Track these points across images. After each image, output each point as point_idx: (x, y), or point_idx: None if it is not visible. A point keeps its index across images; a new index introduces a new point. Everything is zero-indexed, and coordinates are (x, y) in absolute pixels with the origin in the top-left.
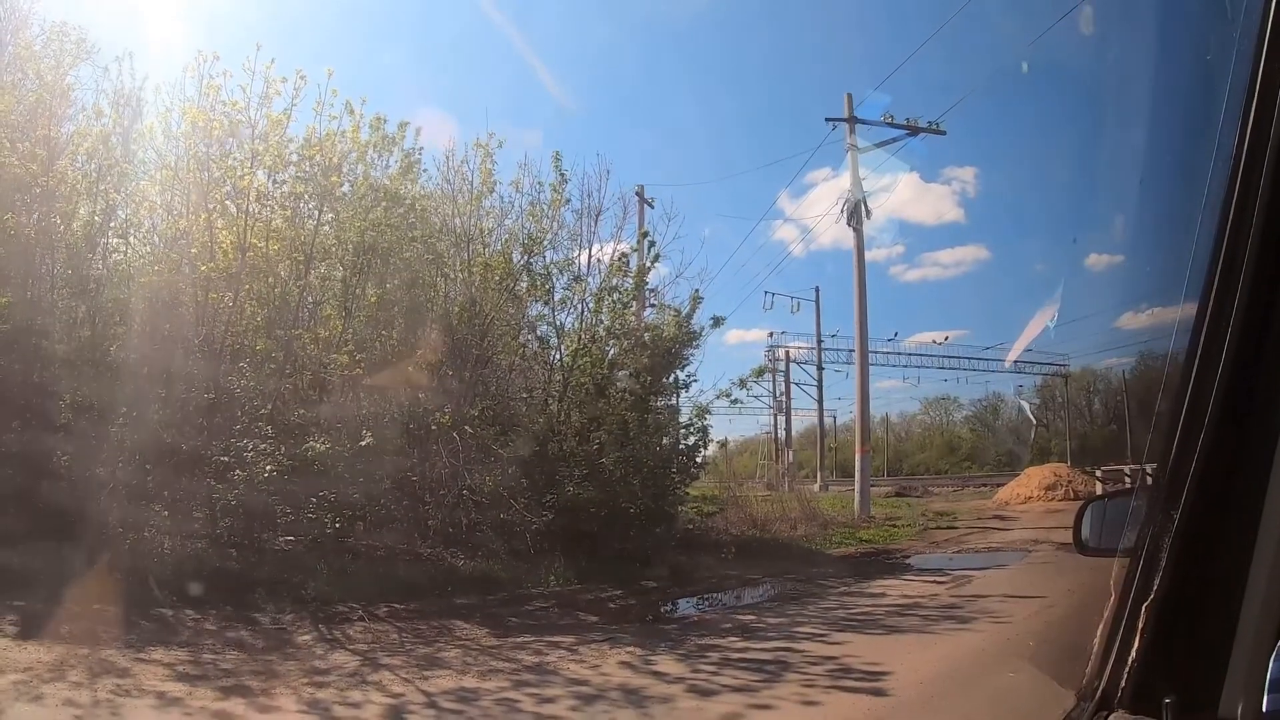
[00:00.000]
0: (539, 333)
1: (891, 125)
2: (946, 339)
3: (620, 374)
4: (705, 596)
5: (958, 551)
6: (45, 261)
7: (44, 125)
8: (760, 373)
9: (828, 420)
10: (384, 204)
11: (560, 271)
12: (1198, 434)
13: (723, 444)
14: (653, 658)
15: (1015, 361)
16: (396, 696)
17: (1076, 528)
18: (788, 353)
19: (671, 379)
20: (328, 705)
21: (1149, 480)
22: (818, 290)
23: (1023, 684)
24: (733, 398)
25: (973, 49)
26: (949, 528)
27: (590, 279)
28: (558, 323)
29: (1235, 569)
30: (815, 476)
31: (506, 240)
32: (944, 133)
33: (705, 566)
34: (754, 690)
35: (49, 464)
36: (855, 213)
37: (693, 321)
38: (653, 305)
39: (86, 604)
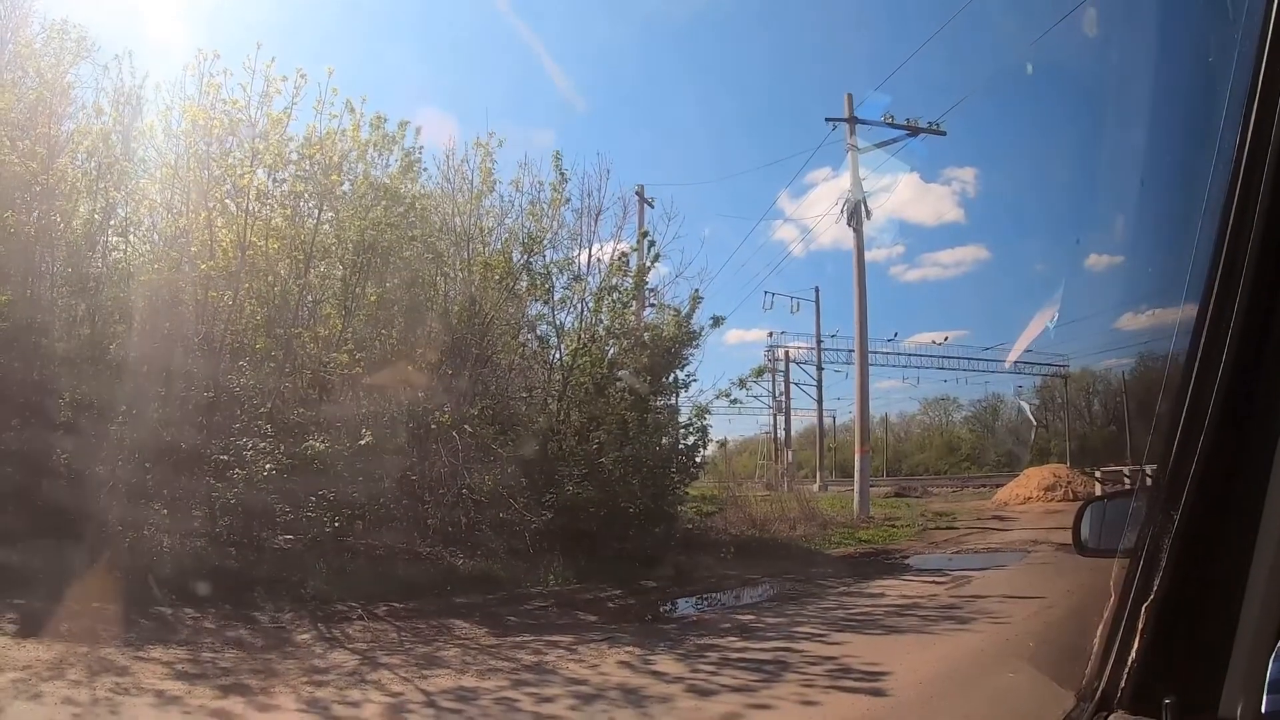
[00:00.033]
0: (539, 332)
1: (892, 125)
2: (946, 339)
3: (620, 373)
4: (704, 596)
5: (957, 552)
6: (45, 259)
7: (44, 123)
8: (760, 373)
9: (827, 420)
10: (384, 203)
11: (560, 271)
12: (1198, 435)
13: (722, 444)
14: (652, 657)
15: (1015, 362)
16: (395, 695)
17: (1076, 528)
18: (787, 353)
19: (671, 379)
20: (326, 704)
21: (1149, 481)
22: (817, 290)
23: (1022, 684)
24: (732, 398)
25: (973, 50)
26: (948, 528)
27: (590, 278)
28: (557, 322)
29: (1235, 570)
30: (814, 476)
31: (506, 239)
32: (944, 133)
33: (704, 566)
34: (753, 690)
35: (48, 462)
36: (855, 213)
37: (692, 321)
38: (652, 305)
39: (85, 602)
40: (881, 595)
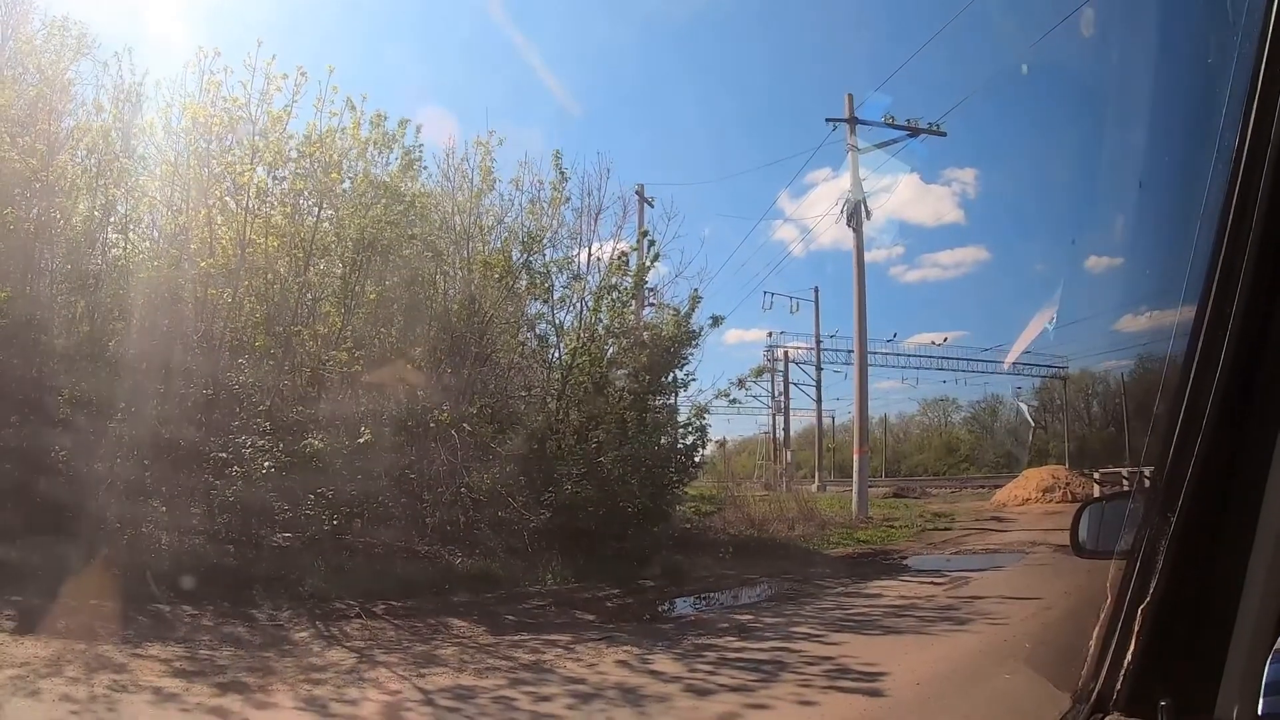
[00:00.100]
0: (538, 331)
1: (892, 126)
2: (945, 340)
3: (619, 372)
4: (702, 596)
5: (955, 553)
6: (45, 256)
7: (44, 119)
8: (759, 372)
9: (826, 420)
10: (384, 201)
11: (560, 270)
12: (1195, 437)
13: (721, 444)
14: (650, 657)
15: (1014, 363)
16: (393, 694)
17: (1074, 530)
18: (786, 353)
19: (670, 378)
20: (325, 702)
21: (1146, 483)
22: (817, 290)
23: (1019, 686)
24: (731, 398)
25: (974, 51)
26: (946, 529)
27: (590, 277)
28: (557, 321)
29: (1232, 572)
30: (813, 477)
31: (506, 238)
32: (944, 134)
33: (703, 566)
34: (751, 690)
35: (47, 459)
36: (855, 213)
37: (692, 321)
38: (652, 304)
39: (84, 599)
40: (880, 596)
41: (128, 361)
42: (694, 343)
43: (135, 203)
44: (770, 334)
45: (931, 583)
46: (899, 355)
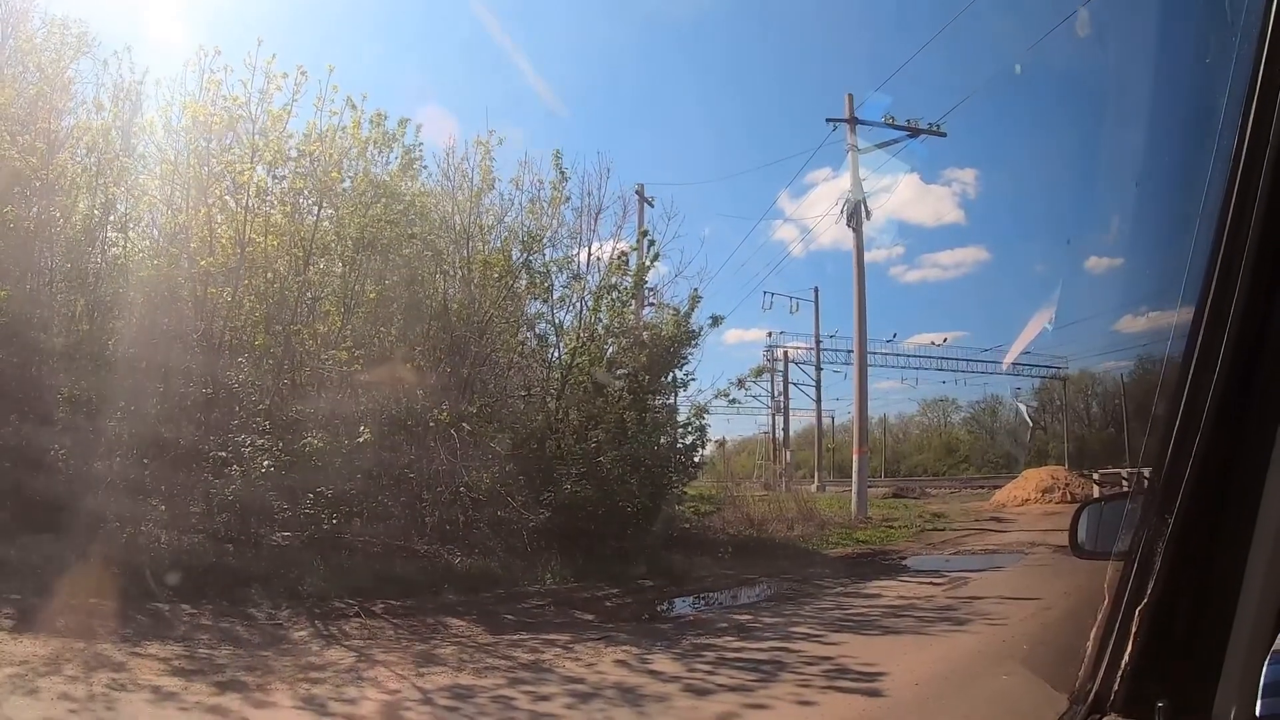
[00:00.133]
0: (537, 330)
1: (892, 126)
2: (945, 340)
3: (619, 372)
4: (702, 596)
5: (954, 553)
6: (44, 254)
7: (44, 118)
8: (759, 372)
9: (826, 420)
10: (384, 200)
11: (559, 269)
12: (1193, 437)
13: (720, 443)
14: (649, 656)
15: (1014, 364)
16: (392, 693)
17: (1073, 530)
18: (786, 353)
19: (670, 378)
20: (323, 701)
21: (1145, 484)
22: (816, 290)
23: (1018, 686)
24: (731, 398)
25: (974, 51)
26: (946, 529)
27: (589, 277)
28: (556, 320)
29: (1230, 573)
30: (813, 477)
31: (506, 238)
32: (945, 134)
33: (702, 566)
34: (750, 690)
35: (46, 457)
36: (855, 213)
37: (691, 320)
38: (652, 304)
39: (82, 598)
40: (879, 596)
41: (127, 360)
42: (693, 342)
43: (135, 201)
44: (770, 334)
45: (930, 583)
46: (899, 355)
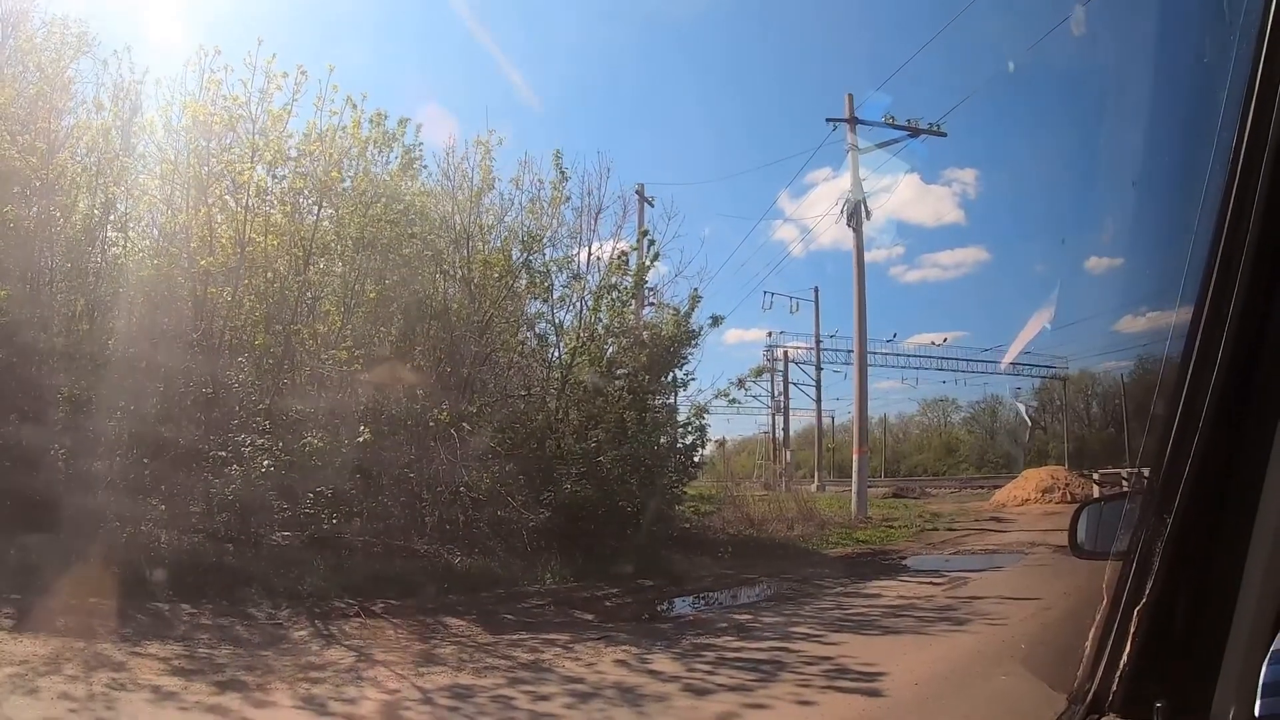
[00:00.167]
0: (537, 330)
1: (892, 126)
2: (945, 340)
3: (619, 371)
4: (701, 595)
5: (954, 553)
6: (44, 254)
7: (44, 118)
8: (759, 372)
9: (826, 420)
10: (384, 200)
11: (560, 269)
12: (1192, 437)
13: (720, 443)
14: (648, 656)
15: (1014, 364)
16: (392, 693)
17: (1072, 530)
18: (786, 353)
19: (670, 378)
20: (323, 701)
21: (1144, 484)
22: (816, 290)
23: (1018, 686)
24: (731, 397)
25: (974, 51)
26: (946, 529)
27: (590, 277)
28: (556, 320)
29: (1228, 572)
30: (813, 476)
31: (506, 237)
32: (945, 134)
33: (702, 566)
34: (749, 690)
35: (46, 457)
36: (855, 213)
37: (691, 320)
38: (652, 304)
39: (82, 597)
40: (879, 596)
41: (127, 359)
42: (693, 342)
43: (135, 201)
44: (770, 334)
45: (930, 583)
46: (899, 355)
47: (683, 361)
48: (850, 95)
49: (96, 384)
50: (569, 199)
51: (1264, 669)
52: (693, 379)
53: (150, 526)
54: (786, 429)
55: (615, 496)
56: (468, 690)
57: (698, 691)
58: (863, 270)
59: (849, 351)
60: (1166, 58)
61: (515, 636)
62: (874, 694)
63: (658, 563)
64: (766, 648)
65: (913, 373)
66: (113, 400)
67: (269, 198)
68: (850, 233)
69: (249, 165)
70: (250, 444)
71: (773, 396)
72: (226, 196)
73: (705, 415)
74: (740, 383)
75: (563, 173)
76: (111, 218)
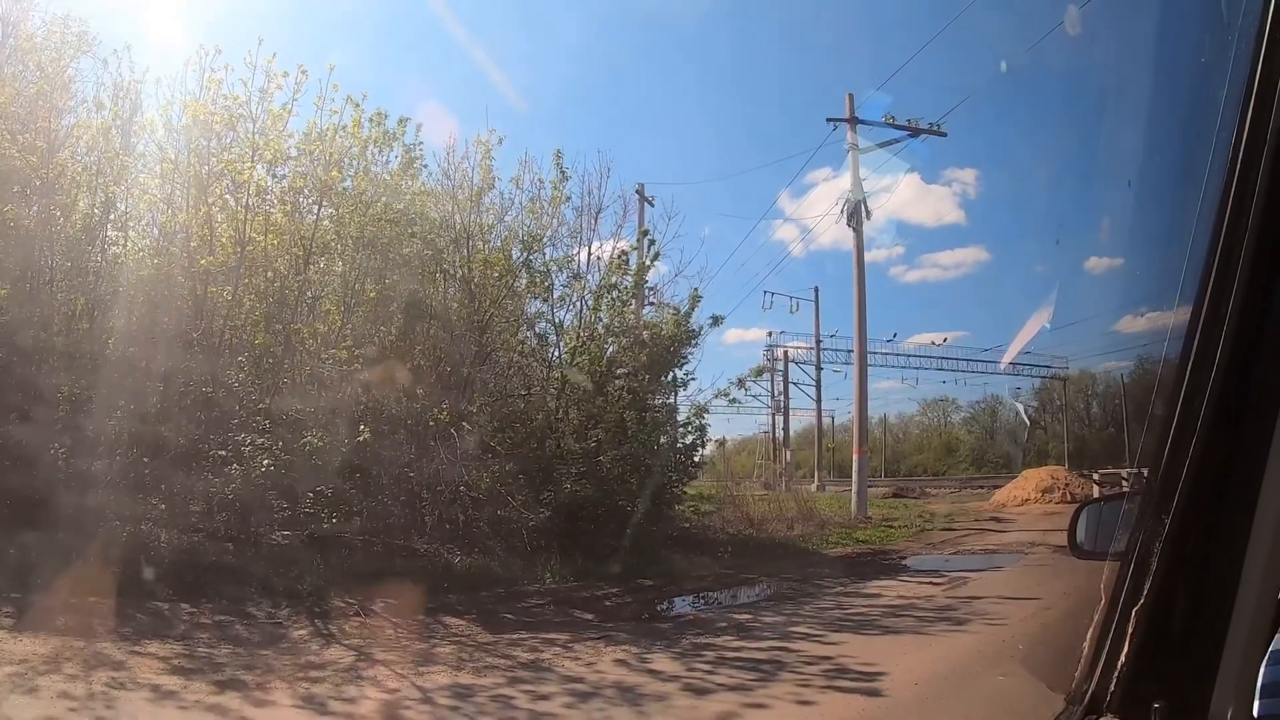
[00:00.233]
0: (537, 330)
1: (893, 126)
2: (945, 340)
3: (619, 371)
4: (701, 595)
5: (954, 553)
6: (44, 253)
7: (44, 117)
8: (759, 372)
9: (826, 420)
10: (384, 199)
11: (560, 269)
12: (1190, 437)
13: (720, 443)
14: (648, 656)
15: (1014, 364)
16: (391, 692)
17: (1071, 531)
18: (786, 352)
19: (670, 377)
20: (323, 700)
21: (1143, 484)
22: (817, 290)
23: (1018, 686)
24: (731, 397)
25: (975, 51)
26: (946, 529)
27: (590, 276)
28: (556, 320)
29: (1227, 572)
30: (813, 476)
31: (506, 237)
32: (945, 134)
33: (701, 565)
34: (749, 689)
35: (46, 456)
36: (855, 213)
37: (691, 320)
38: (652, 303)
39: (82, 596)
40: (878, 596)
41: (127, 359)
42: (694, 342)
43: (135, 200)
44: (770, 333)
45: (930, 583)
46: (899, 355)
47: (683, 361)
48: (850, 95)
49: (96, 383)
50: (569, 198)
51: (1262, 669)
52: (693, 379)
53: (150, 525)
54: (786, 429)
55: (615, 496)
56: (467, 689)
57: (697, 691)
58: (863, 270)
59: (849, 351)
60: (1166, 57)
61: (515, 636)
62: (874, 694)
63: (657, 562)
64: (766, 647)
65: (913, 373)
66: (112, 399)
67: (269, 197)
68: (850, 233)
69: (249, 164)
70: (250, 443)
71: (773, 396)
72: (227, 196)
73: (705, 415)
74: (740, 382)
75: (563, 172)
76: (111, 217)
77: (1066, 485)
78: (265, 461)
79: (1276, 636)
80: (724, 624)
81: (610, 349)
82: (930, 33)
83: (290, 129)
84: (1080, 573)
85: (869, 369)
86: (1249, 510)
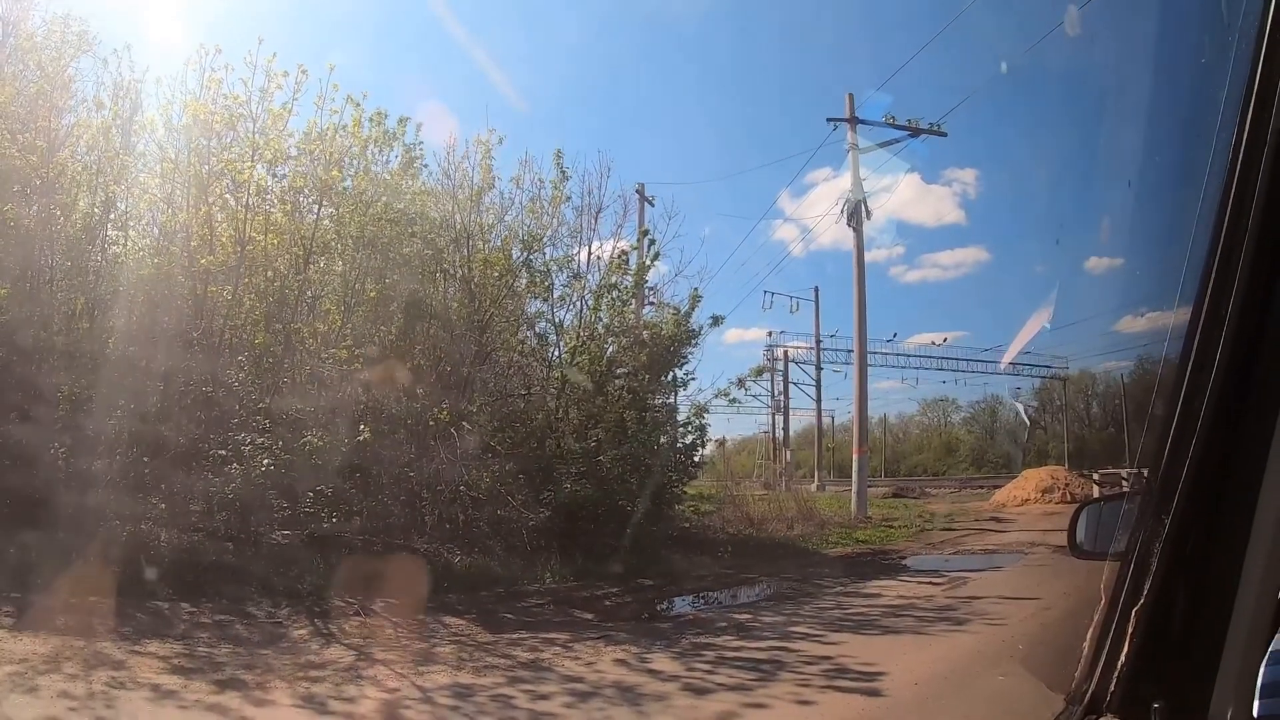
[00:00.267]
0: (537, 329)
1: (893, 126)
2: (945, 340)
3: (619, 371)
4: (701, 595)
5: (954, 553)
6: (44, 253)
7: (45, 116)
8: (759, 372)
9: (826, 420)
10: (384, 199)
11: (560, 268)
12: (1190, 437)
13: (720, 443)
14: (648, 656)
15: (1014, 364)
16: (391, 691)
17: (1071, 531)
18: (786, 352)
19: (670, 377)
20: (323, 700)
21: (1143, 484)
22: (817, 290)
23: (1018, 687)
24: (731, 397)
25: (975, 51)
26: (946, 529)
27: (590, 276)
28: (556, 320)
29: (1226, 573)
30: (813, 476)
31: (506, 237)
32: (945, 134)
33: (701, 565)
34: (749, 689)
35: (46, 455)
36: (855, 213)
37: (691, 320)
38: (652, 303)
39: (82, 596)
40: (878, 595)
41: (127, 358)
42: (694, 342)
43: (135, 199)
44: (770, 333)
45: (930, 583)
46: (899, 355)
47: (683, 361)
48: (851, 95)
49: (96, 382)
50: (569, 198)
51: (1262, 669)
52: (693, 378)
53: (150, 525)
54: (786, 429)
55: (615, 496)
56: (467, 689)
57: (697, 691)
58: (863, 270)
59: (849, 351)
60: (1166, 58)
61: (515, 635)
62: (873, 694)
63: (657, 562)
64: (766, 647)
65: (913, 373)
66: (112, 399)
67: (269, 196)
68: (850, 232)
69: (249, 164)
70: (250, 443)
71: (773, 396)
72: (227, 195)
73: (705, 415)
74: (740, 382)
75: (563, 172)
76: (111, 216)
77: (1066, 485)
78: (265, 461)
79: (1276, 636)
80: (724, 624)
81: (610, 349)
82: (930, 33)
83: (290, 128)
84: (1080, 573)
85: (869, 369)
86: (1249, 510)
